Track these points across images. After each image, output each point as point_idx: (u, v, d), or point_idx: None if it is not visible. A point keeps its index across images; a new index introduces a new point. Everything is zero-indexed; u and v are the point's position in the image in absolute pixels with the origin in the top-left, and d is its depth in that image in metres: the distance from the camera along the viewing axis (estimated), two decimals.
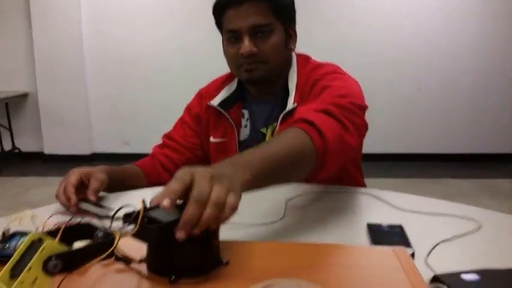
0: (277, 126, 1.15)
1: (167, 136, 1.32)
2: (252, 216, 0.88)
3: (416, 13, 4.44)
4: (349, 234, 0.82)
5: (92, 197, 0.93)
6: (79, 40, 4.60)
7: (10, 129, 4.83)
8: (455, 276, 0.61)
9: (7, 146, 4.78)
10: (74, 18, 4.56)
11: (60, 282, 0.51)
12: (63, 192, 0.93)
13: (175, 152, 1.28)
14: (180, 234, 0.56)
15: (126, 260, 0.63)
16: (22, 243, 0.48)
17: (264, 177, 0.71)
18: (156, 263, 0.61)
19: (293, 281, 0.55)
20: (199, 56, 4.43)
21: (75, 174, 0.97)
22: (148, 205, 0.57)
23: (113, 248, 0.51)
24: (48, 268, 0.47)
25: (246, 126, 1.25)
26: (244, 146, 1.22)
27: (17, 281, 0.47)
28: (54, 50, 4.59)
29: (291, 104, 1.14)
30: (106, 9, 4.61)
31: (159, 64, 4.64)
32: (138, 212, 0.54)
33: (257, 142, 0.92)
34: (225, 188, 0.60)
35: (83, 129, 4.78)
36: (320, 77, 1.12)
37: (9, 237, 0.73)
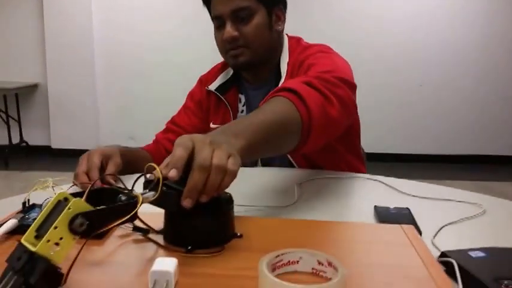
0: None
1: (171, 122, 1.35)
2: (266, 200, 0.91)
3: (419, 11, 4.46)
4: (358, 216, 0.84)
5: (111, 181, 0.95)
6: (89, 32, 4.64)
7: (19, 121, 4.86)
8: (462, 252, 0.63)
9: (15, 138, 4.81)
10: (85, 9, 4.59)
11: (83, 244, 0.52)
12: (84, 173, 0.94)
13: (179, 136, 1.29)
14: (186, 203, 0.58)
15: (144, 231, 0.65)
16: (48, 204, 0.50)
17: (256, 145, 0.72)
18: (173, 233, 0.64)
19: (306, 251, 0.56)
20: (209, 54, 4.46)
21: (97, 156, 0.97)
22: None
23: (136, 209, 0.53)
24: (73, 226, 0.49)
25: (242, 111, 1.27)
26: None
27: (43, 238, 0.48)
28: (65, 41, 4.63)
29: None
30: (117, 1, 4.63)
31: (168, 60, 4.65)
32: (158, 180, 0.56)
33: None
34: (226, 152, 0.61)
35: (90, 123, 4.81)
36: (307, 56, 1.13)
37: (28, 208, 0.76)
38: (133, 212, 0.52)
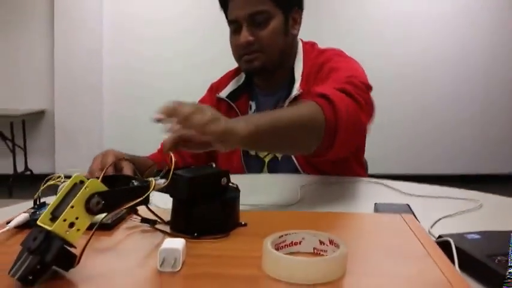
0: None
1: None
2: (269, 201, 0.93)
3: (420, 33, 4.54)
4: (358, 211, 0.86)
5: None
6: (99, 59, 4.67)
7: (25, 149, 4.83)
8: (458, 235, 0.65)
9: (20, 167, 4.80)
10: (95, 36, 4.63)
11: (93, 233, 0.54)
12: (99, 170, 0.96)
13: None
14: (157, 115, 0.64)
15: (152, 222, 0.68)
16: (64, 187, 0.53)
17: (267, 134, 0.75)
18: (180, 222, 0.66)
19: (308, 232, 0.59)
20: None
21: (111, 158, 0.98)
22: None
23: (149, 192, 0.55)
24: (90, 206, 0.51)
25: None
26: None
27: (59, 218, 0.51)
28: (74, 67, 4.65)
29: (296, 90, 1.15)
30: (128, 28, 4.68)
31: (177, 87, 4.60)
32: (169, 168, 0.59)
33: None
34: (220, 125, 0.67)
35: (96, 150, 4.78)
36: (326, 59, 1.15)
37: (39, 206, 0.79)
38: (146, 195, 0.55)
